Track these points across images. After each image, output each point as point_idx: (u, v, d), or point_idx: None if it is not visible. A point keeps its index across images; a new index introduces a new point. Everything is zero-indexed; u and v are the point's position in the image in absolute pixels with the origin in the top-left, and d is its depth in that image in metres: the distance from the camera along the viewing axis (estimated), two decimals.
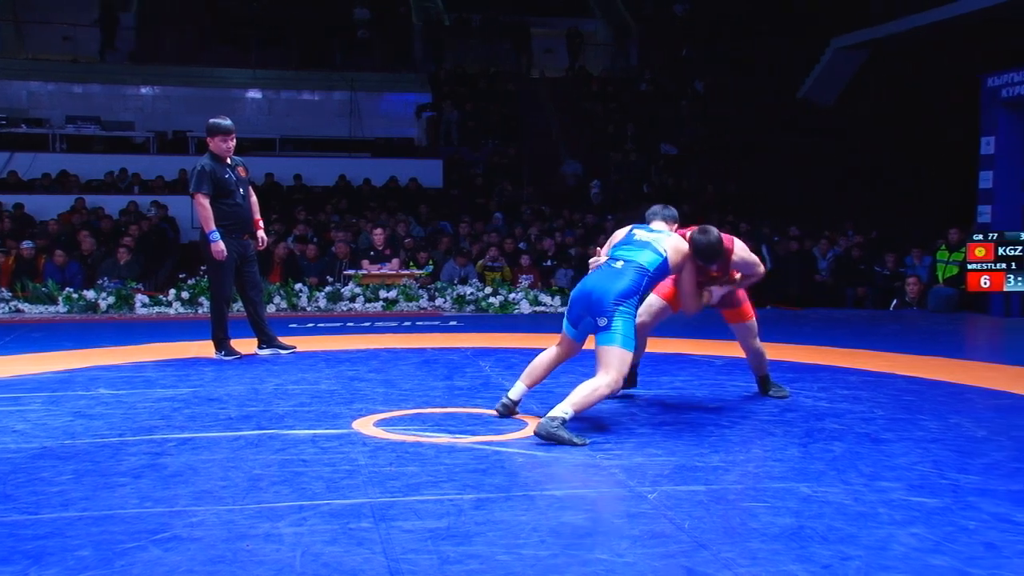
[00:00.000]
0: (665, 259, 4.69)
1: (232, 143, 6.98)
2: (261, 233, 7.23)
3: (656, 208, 5.08)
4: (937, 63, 18.10)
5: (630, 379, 5.29)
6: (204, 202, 6.77)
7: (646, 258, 4.67)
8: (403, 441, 4.34)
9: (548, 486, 3.69)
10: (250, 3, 21.92)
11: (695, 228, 4.90)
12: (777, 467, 3.93)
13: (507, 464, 3.95)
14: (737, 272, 5.09)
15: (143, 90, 20.17)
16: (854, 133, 19.28)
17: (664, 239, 4.77)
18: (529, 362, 4.95)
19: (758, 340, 5.39)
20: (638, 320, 5.09)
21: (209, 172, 6.81)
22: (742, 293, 5.28)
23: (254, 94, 20.63)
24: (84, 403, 5.25)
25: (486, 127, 19.46)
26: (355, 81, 19.89)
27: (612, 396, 4.68)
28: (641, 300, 4.67)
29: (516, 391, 4.90)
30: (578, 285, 4.77)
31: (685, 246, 4.78)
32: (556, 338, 4.93)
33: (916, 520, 3.22)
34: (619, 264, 4.66)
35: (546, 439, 4.24)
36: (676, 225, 5.01)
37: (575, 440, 4.24)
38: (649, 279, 4.64)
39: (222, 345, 7.00)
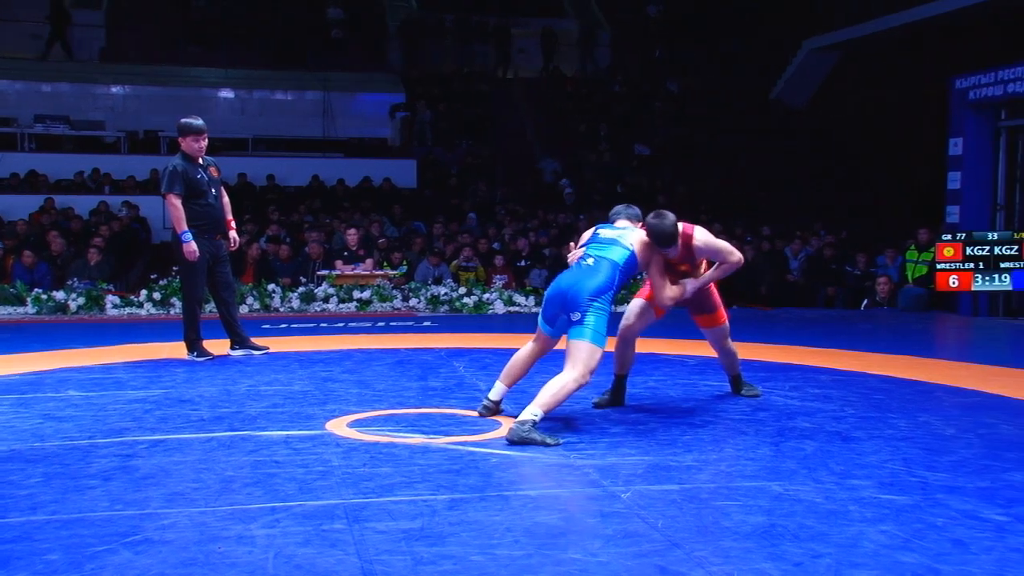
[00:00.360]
0: (633, 252, 4.73)
1: (204, 143, 6.94)
2: (233, 234, 7.19)
3: (619, 208, 5.12)
4: (909, 65, 18.29)
5: (618, 397, 5.25)
6: (176, 202, 6.73)
7: (615, 254, 4.71)
8: (377, 442, 4.33)
9: (522, 486, 3.69)
10: (222, 2, 21.77)
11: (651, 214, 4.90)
12: (749, 466, 3.96)
13: (481, 464, 3.95)
14: (703, 262, 5.06)
15: (113, 89, 19.97)
16: (827, 134, 19.44)
17: (629, 234, 4.82)
18: (505, 363, 4.96)
19: (730, 341, 5.42)
20: (624, 324, 5.11)
21: (181, 172, 6.77)
22: (716, 299, 5.27)
23: (226, 93, 20.48)
24: (53, 405, 5.19)
25: (460, 127, 19.44)
26: (328, 81, 19.81)
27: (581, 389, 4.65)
28: (615, 295, 4.69)
29: (496, 392, 4.91)
30: (552, 284, 4.79)
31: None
32: (530, 338, 4.95)
33: (886, 517, 3.25)
34: (590, 261, 4.69)
35: (519, 443, 4.23)
36: (640, 223, 5.02)
37: (548, 440, 4.25)
38: (621, 273, 4.67)
39: (194, 346, 6.96)
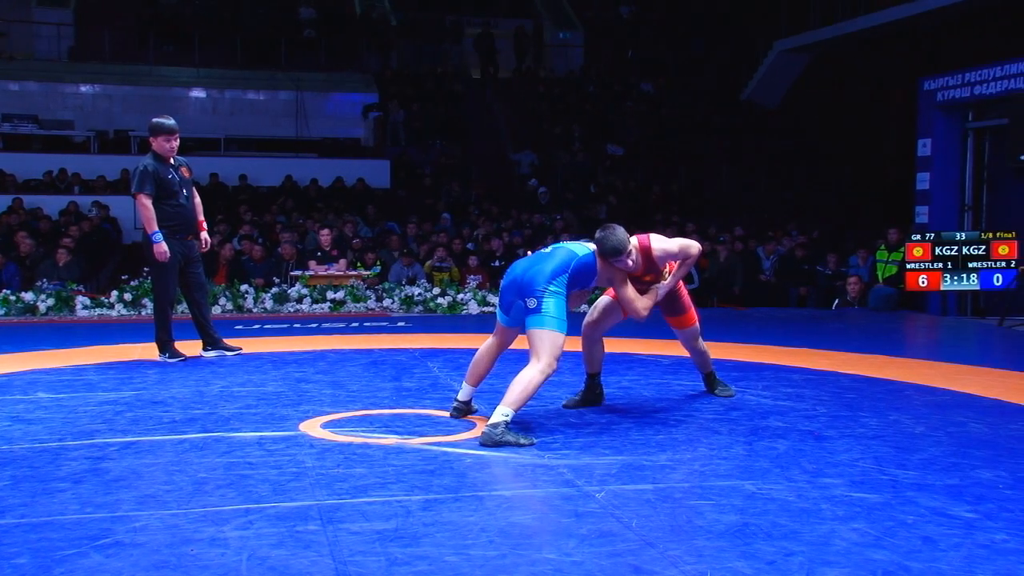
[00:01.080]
0: (593, 254, 4.64)
1: (176, 143, 6.89)
2: (205, 234, 7.14)
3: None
4: (879, 66, 18.48)
5: (594, 395, 5.20)
6: (146, 203, 6.68)
7: (575, 247, 4.67)
8: (351, 443, 4.32)
9: (496, 487, 3.69)
10: (194, 1, 21.62)
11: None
12: (723, 465, 3.99)
13: (455, 465, 3.95)
14: (667, 266, 5.02)
15: (83, 88, 19.76)
16: (799, 134, 19.60)
17: (588, 245, 4.74)
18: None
19: (701, 341, 5.43)
20: (588, 321, 5.11)
21: (152, 172, 6.71)
22: (686, 300, 5.27)
23: (198, 93, 20.34)
24: (22, 407, 5.13)
25: (433, 127, 19.42)
26: (301, 81, 19.72)
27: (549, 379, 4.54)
28: (571, 282, 4.56)
29: (464, 392, 4.91)
30: (506, 273, 4.74)
31: None
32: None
33: (857, 515, 3.28)
34: (547, 250, 4.68)
35: (493, 446, 4.21)
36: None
37: (521, 441, 4.25)
38: (577, 263, 4.57)
39: (166, 347, 6.90)
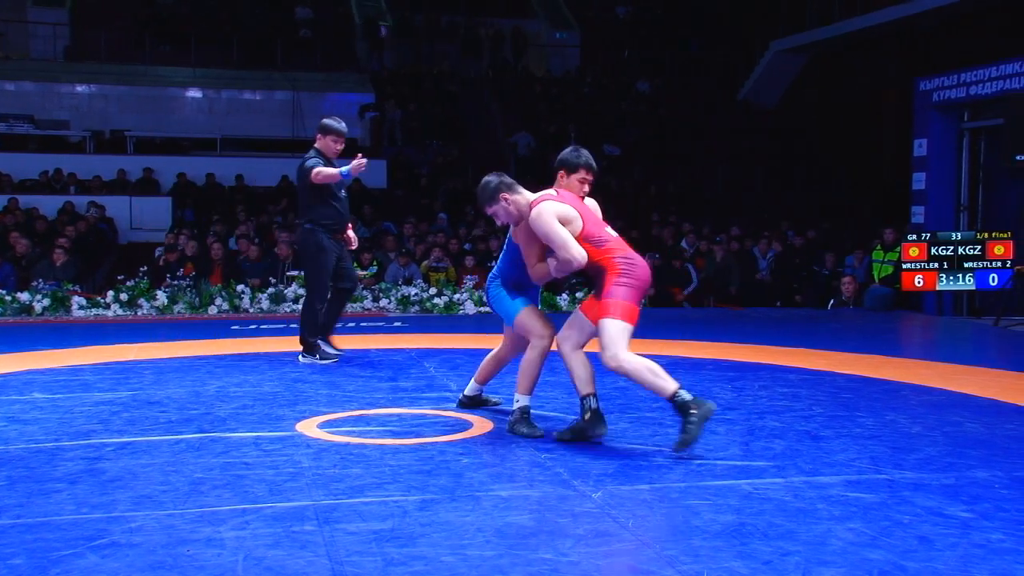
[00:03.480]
0: (509, 237, 4.75)
1: (342, 147, 6.86)
2: (351, 233, 7.07)
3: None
4: (875, 66, 18.49)
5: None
6: (323, 170, 6.51)
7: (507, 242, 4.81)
8: (347, 443, 4.32)
9: (493, 486, 3.69)
10: (190, 1, 21.59)
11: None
12: (719, 465, 3.99)
13: (452, 465, 3.95)
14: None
15: (79, 88, 19.73)
16: (795, 134, 19.61)
17: None
18: (477, 363, 5.01)
19: (618, 352, 4.35)
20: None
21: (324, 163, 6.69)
22: (608, 288, 4.26)
23: (194, 93, 20.31)
24: (18, 408, 5.12)
25: (430, 127, 19.40)
26: (297, 81, 19.71)
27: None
28: (508, 278, 4.69)
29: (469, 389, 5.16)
30: None
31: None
32: (500, 339, 4.97)
33: (854, 515, 3.29)
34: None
35: (509, 433, 4.45)
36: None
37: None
38: (505, 258, 4.76)
39: (313, 349, 6.81)
